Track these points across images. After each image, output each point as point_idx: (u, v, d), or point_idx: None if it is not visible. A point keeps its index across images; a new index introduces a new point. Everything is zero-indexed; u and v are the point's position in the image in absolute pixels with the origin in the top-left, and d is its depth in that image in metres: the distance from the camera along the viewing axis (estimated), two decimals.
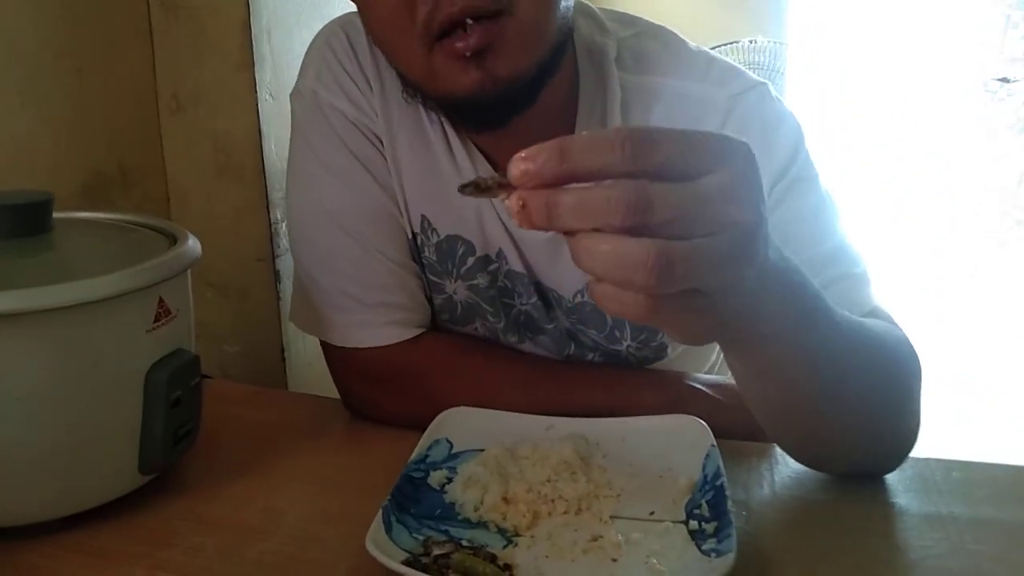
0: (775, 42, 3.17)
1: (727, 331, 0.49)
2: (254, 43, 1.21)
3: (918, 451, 0.70)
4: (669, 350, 0.79)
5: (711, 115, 0.69)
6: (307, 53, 0.78)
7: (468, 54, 0.60)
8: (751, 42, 3.15)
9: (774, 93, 0.72)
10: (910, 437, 0.66)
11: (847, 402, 0.59)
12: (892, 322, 0.68)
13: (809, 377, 0.56)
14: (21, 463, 0.56)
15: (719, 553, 0.54)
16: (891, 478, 0.68)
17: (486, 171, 0.73)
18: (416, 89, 0.68)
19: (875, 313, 0.68)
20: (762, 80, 0.72)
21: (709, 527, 0.57)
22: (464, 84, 0.62)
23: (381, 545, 0.54)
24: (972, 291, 3.52)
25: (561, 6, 0.64)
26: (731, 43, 3.08)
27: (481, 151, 0.74)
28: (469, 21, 0.59)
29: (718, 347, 0.91)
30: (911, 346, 0.66)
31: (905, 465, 0.70)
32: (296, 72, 0.79)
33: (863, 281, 0.70)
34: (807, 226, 0.69)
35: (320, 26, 0.79)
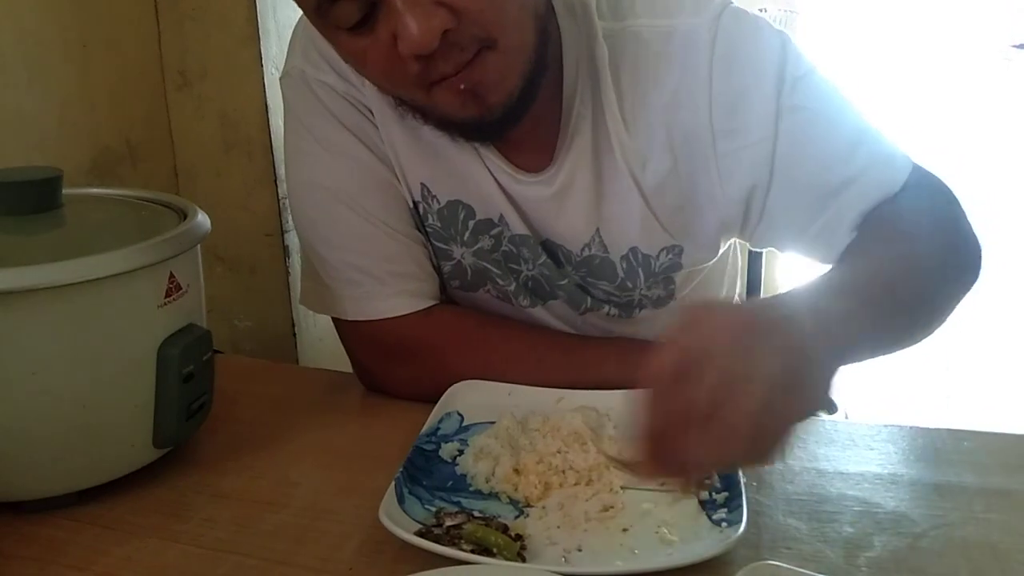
0: (786, 10, 3.13)
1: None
2: (259, 17, 1.21)
3: (928, 421, 0.70)
4: (677, 284, 0.79)
5: (697, 46, 0.69)
6: (293, 32, 0.78)
7: (463, 87, 0.60)
8: (761, 10, 3.11)
9: (740, 6, 0.72)
10: (976, 253, 0.69)
11: (921, 303, 0.64)
12: (923, 170, 0.71)
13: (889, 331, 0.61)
14: (36, 438, 0.57)
15: (730, 523, 0.54)
16: (902, 448, 0.68)
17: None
18: (413, 111, 0.68)
19: (910, 179, 0.69)
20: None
21: (720, 497, 0.57)
22: (464, 115, 0.63)
23: (394, 516, 0.54)
24: (990, 258, 3.49)
25: (537, 7, 0.63)
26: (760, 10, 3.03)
27: None
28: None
29: (726, 287, 0.91)
30: (946, 188, 0.70)
31: (915, 434, 0.70)
32: None
33: (890, 153, 0.70)
34: (825, 120, 0.70)
35: None
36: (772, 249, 0.78)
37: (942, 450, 0.67)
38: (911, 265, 0.64)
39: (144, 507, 0.61)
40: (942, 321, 0.68)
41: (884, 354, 0.64)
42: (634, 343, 0.79)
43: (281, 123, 1.25)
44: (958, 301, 0.69)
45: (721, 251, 0.81)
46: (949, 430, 0.70)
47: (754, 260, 1.68)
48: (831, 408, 0.81)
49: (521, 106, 0.64)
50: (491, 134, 0.69)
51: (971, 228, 0.70)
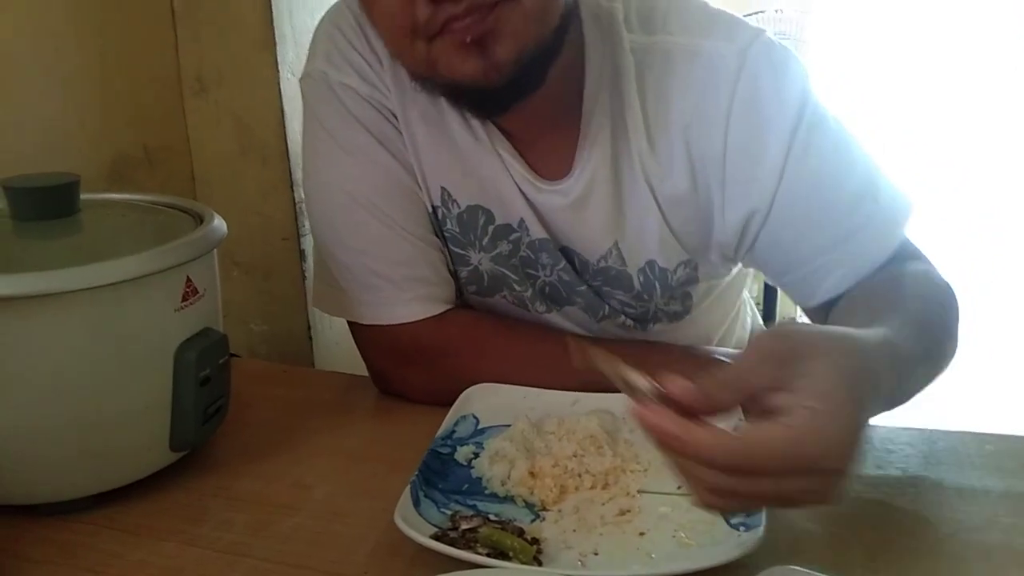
0: (802, 12, 3.11)
1: None
2: (275, 22, 1.21)
3: (951, 424, 0.69)
4: (694, 300, 0.79)
5: (723, 73, 0.69)
6: (315, 35, 0.78)
7: (468, 39, 0.59)
8: (777, 12, 3.09)
9: (773, 38, 0.71)
10: (951, 357, 0.67)
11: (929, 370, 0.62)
12: (921, 259, 0.70)
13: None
14: (54, 441, 0.57)
15: (748, 527, 0.54)
16: (924, 451, 0.67)
17: (501, 144, 0.72)
18: (421, 79, 0.68)
19: (904, 248, 0.70)
20: (760, 27, 0.71)
21: None
22: (466, 71, 0.61)
23: (409, 520, 0.54)
24: (1005, 266, 3.46)
25: None
26: (757, 12, 3.02)
27: (493, 122, 0.73)
28: None
29: (739, 301, 0.91)
30: (945, 283, 0.68)
31: (936, 437, 0.69)
32: None
33: (892, 214, 0.70)
34: (833, 166, 0.69)
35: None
36: None
37: (964, 453, 0.66)
38: (937, 326, 0.64)
39: (160, 510, 0.62)
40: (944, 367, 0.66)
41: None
42: (651, 346, 0.78)
43: (297, 128, 1.26)
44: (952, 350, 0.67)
45: (736, 268, 0.81)
46: (971, 433, 0.69)
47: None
48: None
49: (528, 78, 0.63)
50: (495, 105, 0.67)
51: (957, 318, 0.68)
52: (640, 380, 0.49)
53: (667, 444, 0.46)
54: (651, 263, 0.75)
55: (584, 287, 0.78)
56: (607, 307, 0.79)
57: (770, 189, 0.69)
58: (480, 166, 0.74)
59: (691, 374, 0.72)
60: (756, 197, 0.69)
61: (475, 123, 0.73)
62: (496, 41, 0.60)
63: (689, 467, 0.46)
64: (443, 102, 0.73)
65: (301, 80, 0.79)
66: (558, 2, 0.62)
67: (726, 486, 0.45)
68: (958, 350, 0.68)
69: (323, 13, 0.78)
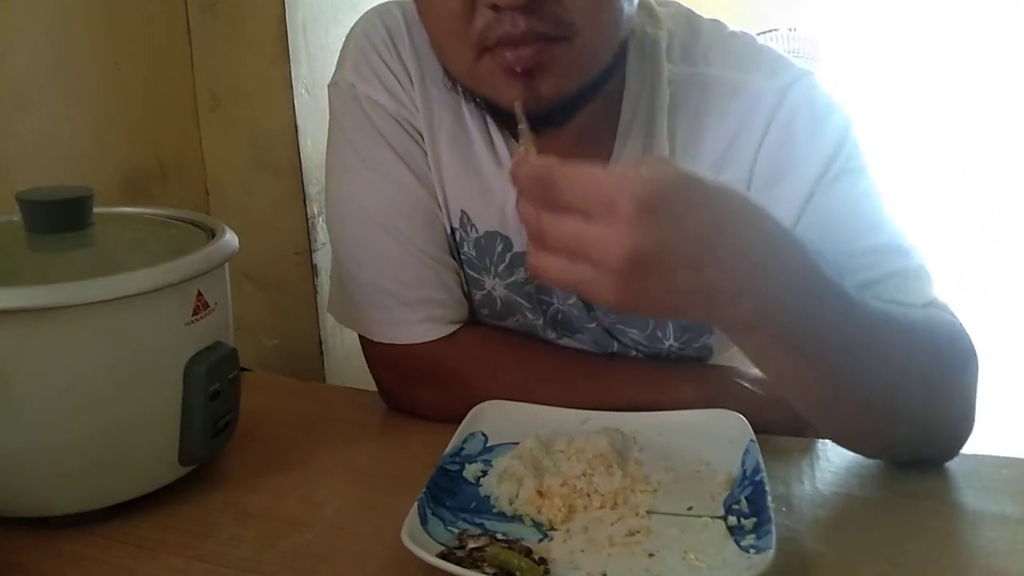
0: (815, 30, 3.11)
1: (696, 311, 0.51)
2: (289, 38, 1.22)
3: (966, 447, 0.68)
4: (715, 351, 0.78)
5: (760, 107, 0.68)
6: (345, 44, 0.78)
7: (519, 69, 0.59)
8: (791, 30, 3.09)
9: (820, 83, 0.71)
10: (962, 425, 0.65)
11: (880, 389, 0.59)
12: (948, 312, 0.67)
13: (819, 364, 0.56)
14: (64, 454, 0.57)
15: (758, 549, 0.53)
16: (938, 474, 0.66)
17: None
18: (455, 82, 0.68)
19: (933, 305, 0.67)
20: (808, 69, 0.70)
21: (748, 523, 0.56)
22: (506, 97, 0.61)
23: (416, 538, 0.54)
24: (1005, 266, 3.42)
25: (622, 27, 0.63)
26: (770, 31, 3.03)
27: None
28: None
29: None
30: (964, 333, 0.65)
31: (954, 460, 0.68)
32: (332, 67, 0.79)
33: (919, 274, 0.67)
34: (856, 217, 0.68)
35: (355, 20, 0.78)
36: None
37: (980, 477, 0.66)
38: (911, 372, 0.61)
39: (170, 524, 0.62)
40: (879, 445, 0.65)
41: (811, 412, 0.62)
42: (662, 365, 0.78)
43: (311, 142, 1.27)
44: (915, 454, 0.66)
45: None
46: (989, 457, 0.68)
47: None
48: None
49: (568, 111, 0.63)
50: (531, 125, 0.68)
51: (972, 393, 0.65)
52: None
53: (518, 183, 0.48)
54: None
55: (594, 324, 0.77)
56: (616, 344, 0.78)
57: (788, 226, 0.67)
58: (502, 192, 0.73)
59: (706, 396, 0.72)
60: None
61: (500, 149, 0.73)
62: (544, 76, 0.60)
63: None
64: (470, 126, 0.73)
65: (329, 87, 0.78)
66: (612, 43, 0.62)
67: (533, 220, 0.47)
68: (973, 415, 0.64)
69: (337, 30, 0.79)
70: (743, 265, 0.49)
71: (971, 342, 0.65)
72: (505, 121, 0.69)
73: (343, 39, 0.79)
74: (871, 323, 0.58)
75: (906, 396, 0.61)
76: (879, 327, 0.59)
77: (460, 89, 0.69)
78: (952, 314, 0.66)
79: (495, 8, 0.57)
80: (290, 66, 1.22)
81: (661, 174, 0.46)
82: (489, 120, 0.73)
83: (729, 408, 0.68)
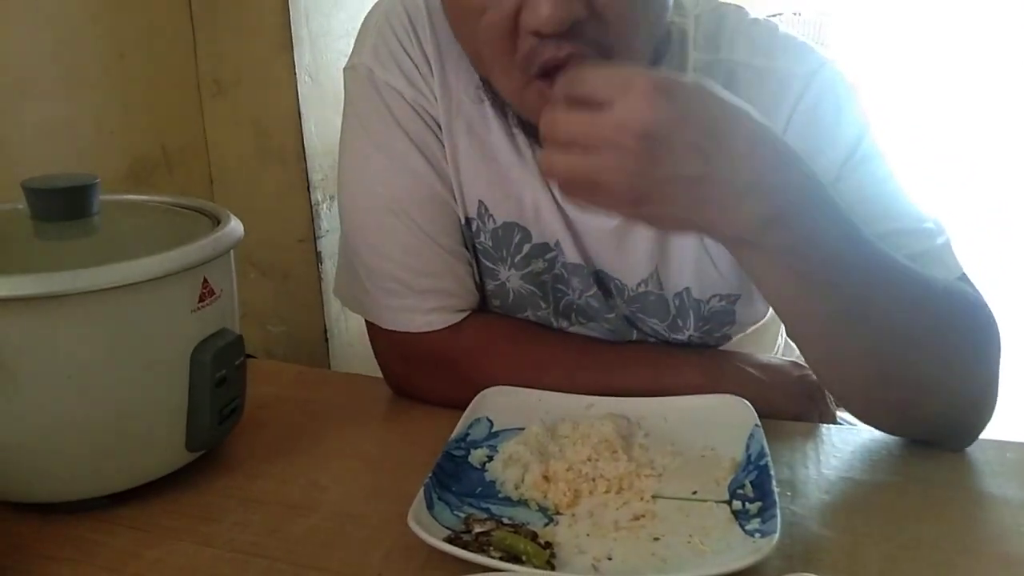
0: (820, 14, 3.09)
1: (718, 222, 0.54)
2: (292, 24, 1.22)
3: None
4: (732, 340, 0.78)
5: (787, 92, 0.68)
6: (363, 27, 0.76)
7: None
8: (795, 14, 3.08)
9: (844, 70, 0.71)
10: (981, 403, 0.65)
11: (889, 338, 0.60)
12: (973, 288, 0.67)
13: (823, 294, 0.58)
14: (71, 441, 0.58)
15: (763, 533, 0.53)
16: (941, 458, 0.66)
17: None
18: (494, 94, 0.68)
19: (961, 281, 0.67)
20: (830, 57, 0.70)
21: (753, 507, 0.56)
22: None
23: (423, 522, 0.54)
24: (1014, 261, 3.40)
25: (659, 34, 0.63)
26: (775, 15, 3.01)
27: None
28: None
29: (781, 334, 0.89)
30: (987, 309, 0.65)
31: None
32: (335, 53, 0.78)
33: (944, 252, 0.68)
34: (882, 200, 0.68)
35: (358, 7, 0.78)
36: None
37: (985, 461, 0.66)
38: (920, 329, 0.61)
39: (176, 510, 0.62)
40: (903, 417, 0.65)
41: (809, 351, 0.63)
42: (667, 350, 0.78)
43: (315, 129, 1.27)
44: (938, 421, 0.66)
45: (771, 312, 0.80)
46: (992, 440, 0.68)
47: None
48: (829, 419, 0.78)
49: None
50: None
51: (993, 372, 0.65)
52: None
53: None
54: (687, 290, 0.74)
55: (613, 314, 0.77)
56: (635, 332, 0.78)
57: None
58: (521, 184, 0.73)
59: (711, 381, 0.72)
60: None
61: (520, 139, 0.73)
62: None
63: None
64: (490, 117, 0.73)
65: (345, 70, 0.77)
66: (651, 45, 0.63)
67: (550, 119, 0.51)
68: (995, 395, 0.65)
69: (339, 16, 0.78)
70: (748, 166, 0.52)
71: (994, 319, 0.65)
72: (534, 132, 0.69)
73: (346, 24, 0.78)
74: (882, 264, 0.59)
75: (919, 355, 0.61)
76: (891, 270, 0.59)
77: (493, 100, 0.69)
78: (977, 291, 0.66)
79: (538, 34, 0.57)
80: (293, 52, 1.22)
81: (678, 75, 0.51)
82: (509, 111, 0.72)
83: (734, 393, 0.68)
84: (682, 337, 0.77)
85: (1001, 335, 0.65)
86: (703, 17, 0.72)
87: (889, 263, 0.59)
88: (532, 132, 0.66)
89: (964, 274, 0.67)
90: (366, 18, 0.77)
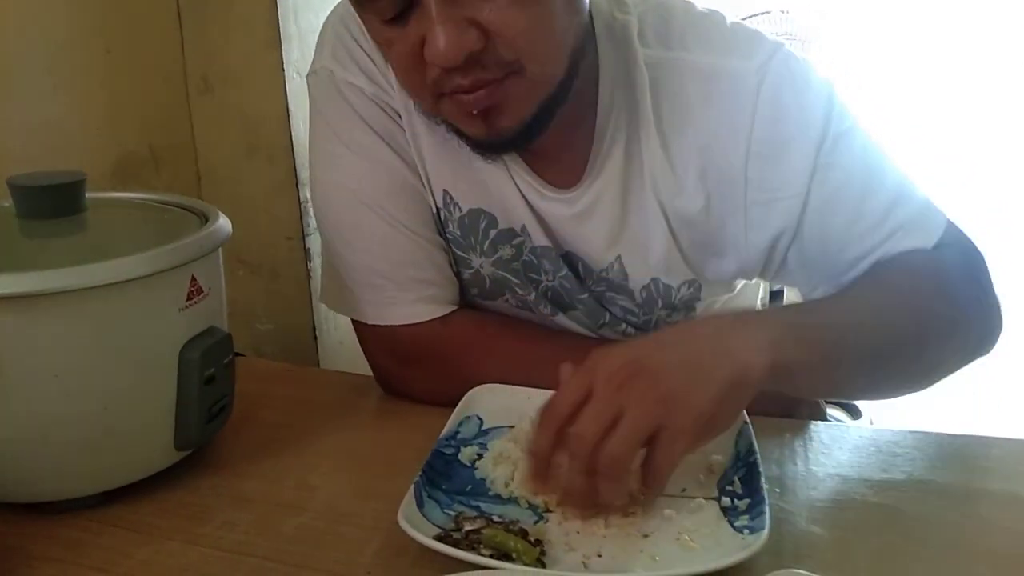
0: (808, 12, 3.10)
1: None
2: (280, 22, 1.21)
3: (956, 428, 0.69)
4: (698, 311, 0.79)
5: (743, 89, 0.68)
6: (321, 32, 0.78)
7: (475, 112, 0.61)
8: (783, 12, 3.08)
9: (793, 51, 0.71)
10: (989, 331, 0.69)
11: (910, 346, 0.64)
12: (953, 234, 0.70)
13: (847, 374, 0.62)
14: (60, 440, 0.57)
15: (752, 530, 0.53)
16: (928, 454, 0.67)
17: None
18: (427, 114, 0.70)
19: (943, 239, 0.69)
20: (778, 40, 0.70)
21: (742, 504, 0.57)
22: (472, 132, 0.64)
23: (413, 520, 0.54)
24: (1013, 261, 3.43)
25: (572, 37, 0.62)
26: (763, 13, 3.01)
27: None
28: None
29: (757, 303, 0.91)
30: (972, 252, 0.70)
31: (942, 441, 0.69)
32: None
33: (924, 215, 0.70)
34: (860, 180, 0.69)
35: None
36: None
37: (970, 457, 0.66)
38: (910, 320, 0.65)
39: (166, 509, 0.62)
40: (934, 380, 0.68)
41: (854, 396, 0.67)
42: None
43: (303, 127, 1.26)
44: (960, 366, 0.69)
45: (738, 288, 0.81)
46: (978, 437, 0.69)
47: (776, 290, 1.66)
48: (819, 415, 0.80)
49: (534, 130, 0.64)
50: (498, 151, 0.69)
51: (996, 300, 0.70)
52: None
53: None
54: (655, 280, 0.75)
55: (586, 295, 0.78)
56: (608, 314, 0.79)
57: (796, 208, 0.68)
58: (483, 171, 0.74)
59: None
60: (782, 217, 0.69)
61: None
62: (500, 114, 0.61)
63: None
64: None
65: (308, 77, 0.79)
66: (565, 51, 0.62)
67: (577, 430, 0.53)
68: (1000, 330, 0.70)
69: (329, 12, 0.78)
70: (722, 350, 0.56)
71: (980, 255, 0.70)
72: (482, 152, 0.69)
73: None
74: (867, 307, 0.64)
75: (933, 342, 0.65)
76: (876, 307, 0.64)
77: (435, 119, 0.70)
78: (959, 232, 0.71)
79: (441, 68, 0.58)
80: (282, 50, 1.22)
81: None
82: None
83: None
84: (651, 316, 0.78)
85: (987, 262, 0.71)
86: (648, 14, 0.72)
87: (867, 301, 0.65)
88: (462, 136, 0.68)
89: (947, 222, 0.71)
90: (324, 24, 0.78)
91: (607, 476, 0.53)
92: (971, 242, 0.71)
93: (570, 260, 0.77)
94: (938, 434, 0.70)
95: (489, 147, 0.67)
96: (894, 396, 0.69)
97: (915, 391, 0.68)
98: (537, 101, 0.62)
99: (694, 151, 0.69)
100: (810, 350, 0.58)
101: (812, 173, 0.67)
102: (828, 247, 0.70)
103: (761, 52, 0.69)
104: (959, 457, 0.66)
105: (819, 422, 0.73)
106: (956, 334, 0.67)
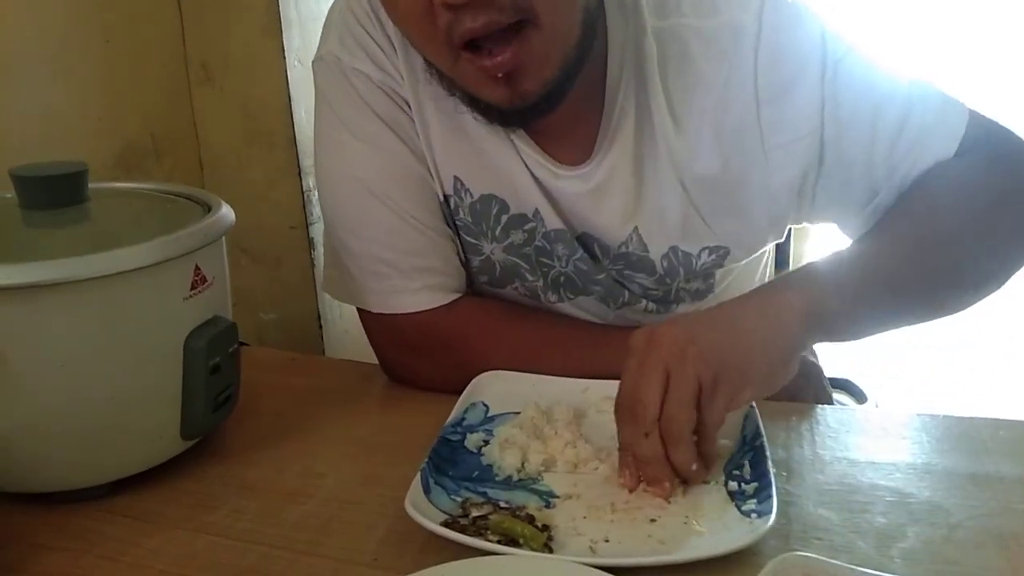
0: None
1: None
2: (281, 8, 1.21)
3: (964, 410, 0.68)
4: (717, 277, 0.79)
5: (744, 41, 0.68)
6: (328, 17, 0.77)
7: (499, 75, 0.60)
8: None
9: None
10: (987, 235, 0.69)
11: (959, 263, 0.67)
12: (980, 126, 0.70)
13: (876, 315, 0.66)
14: (65, 431, 0.58)
15: (759, 514, 0.53)
16: (936, 437, 0.67)
17: (516, 132, 0.72)
18: (441, 77, 0.68)
19: (967, 133, 0.69)
20: None
21: (749, 488, 0.57)
22: (494, 97, 0.63)
23: (420, 507, 0.54)
24: None
25: (584, 2, 0.62)
26: None
27: None
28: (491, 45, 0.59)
29: (759, 274, 0.90)
30: (1003, 133, 0.71)
31: (950, 423, 0.69)
32: None
33: (943, 116, 0.70)
34: (869, 100, 0.69)
35: None
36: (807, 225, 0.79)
37: (978, 439, 0.66)
38: (938, 241, 0.66)
39: (173, 498, 0.62)
40: (997, 284, 0.69)
41: (912, 322, 0.68)
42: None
43: (305, 114, 1.26)
44: (1015, 261, 0.69)
45: (765, 248, 0.80)
46: (985, 419, 0.69)
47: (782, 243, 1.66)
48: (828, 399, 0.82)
49: (555, 96, 0.63)
50: (519, 120, 0.69)
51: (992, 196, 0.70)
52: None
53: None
54: (674, 248, 0.75)
55: (603, 275, 0.77)
56: (627, 293, 0.79)
57: (815, 143, 0.69)
58: (494, 155, 0.73)
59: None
60: (803, 155, 0.69)
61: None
62: (525, 74, 0.61)
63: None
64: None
65: (313, 63, 0.78)
66: (578, 13, 0.61)
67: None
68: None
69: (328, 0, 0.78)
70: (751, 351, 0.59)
71: (997, 136, 0.71)
72: (497, 120, 0.69)
73: None
74: (888, 253, 0.66)
75: (988, 244, 0.68)
76: (898, 247, 0.66)
77: (444, 83, 0.68)
78: (982, 120, 0.71)
79: (448, 6, 0.57)
80: (282, 37, 1.21)
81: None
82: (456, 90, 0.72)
83: None
84: (670, 288, 0.78)
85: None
86: None
87: (897, 234, 0.67)
88: (479, 107, 0.67)
89: (969, 113, 0.70)
90: (330, 10, 0.77)
91: (672, 440, 0.56)
92: (996, 125, 0.71)
93: (585, 241, 0.76)
94: (945, 416, 0.70)
95: (510, 115, 0.66)
96: (954, 311, 0.70)
97: (962, 306, 0.70)
98: (560, 59, 0.61)
99: (706, 114, 0.69)
100: (845, 292, 0.62)
101: (822, 105, 0.68)
102: (853, 173, 0.70)
103: (752, 2, 0.69)
104: (966, 439, 0.66)
105: (825, 406, 0.73)
106: (982, 250, 0.68)
